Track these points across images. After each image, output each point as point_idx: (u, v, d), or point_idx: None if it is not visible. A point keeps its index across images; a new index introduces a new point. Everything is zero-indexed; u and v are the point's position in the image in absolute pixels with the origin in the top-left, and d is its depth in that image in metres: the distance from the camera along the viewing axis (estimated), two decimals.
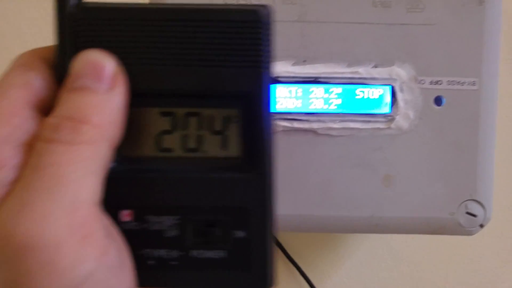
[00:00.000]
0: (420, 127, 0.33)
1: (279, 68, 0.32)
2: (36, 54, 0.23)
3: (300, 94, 0.33)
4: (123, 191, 0.23)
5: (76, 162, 0.19)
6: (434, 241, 0.47)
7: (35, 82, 0.22)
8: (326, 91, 0.33)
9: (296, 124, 0.33)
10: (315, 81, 0.33)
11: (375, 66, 0.33)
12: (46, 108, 0.21)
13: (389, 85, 0.33)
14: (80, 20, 0.23)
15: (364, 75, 0.33)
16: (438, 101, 0.33)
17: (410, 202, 0.33)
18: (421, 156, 0.33)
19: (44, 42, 0.24)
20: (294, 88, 0.33)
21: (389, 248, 0.48)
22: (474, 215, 0.33)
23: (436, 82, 0.33)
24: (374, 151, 0.33)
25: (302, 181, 0.33)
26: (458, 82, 0.33)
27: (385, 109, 0.33)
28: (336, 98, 0.33)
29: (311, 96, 0.33)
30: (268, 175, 0.24)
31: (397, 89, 0.33)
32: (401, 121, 0.33)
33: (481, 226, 0.34)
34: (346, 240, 0.47)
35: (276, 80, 0.32)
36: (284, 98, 0.33)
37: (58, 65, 0.23)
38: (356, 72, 0.33)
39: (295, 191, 0.33)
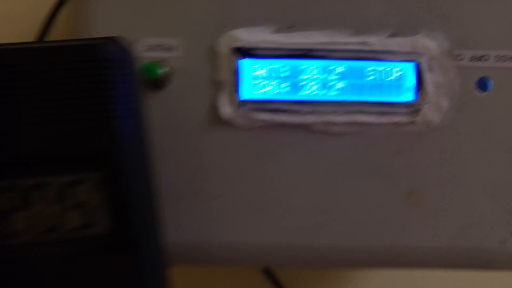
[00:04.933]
0: (458, 121, 0.23)
1: (254, 36, 0.23)
2: None
3: (286, 74, 0.23)
4: None
5: None
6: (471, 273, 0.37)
7: None
8: (323, 70, 0.23)
9: (280, 117, 0.23)
10: (306, 55, 0.23)
11: (393, 35, 0.23)
12: None
13: (413, 61, 0.23)
14: None
15: (377, 47, 0.23)
16: (483, 84, 0.23)
17: (444, 227, 0.24)
18: (459, 162, 0.23)
19: None
20: (276, 65, 0.23)
21: (411, 282, 0.38)
22: None
23: (480, 58, 0.23)
24: (393, 155, 0.23)
25: (292, 198, 0.23)
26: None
27: (408, 96, 0.23)
28: (338, 80, 0.23)
29: (301, 77, 0.23)
30: (144, 252, 0.20)
31: (424, 67, 0.23)
32: (430, 113, 0.23)
33: None
34: (356, 272, 0.38)
35: (250, 54, 0.23)
36: (263, 80, 0.23)
37: None
38: (366, 43, 0.23)
39: (282, 213, 0.23)
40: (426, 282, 0.38)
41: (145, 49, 0.23)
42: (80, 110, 0.19)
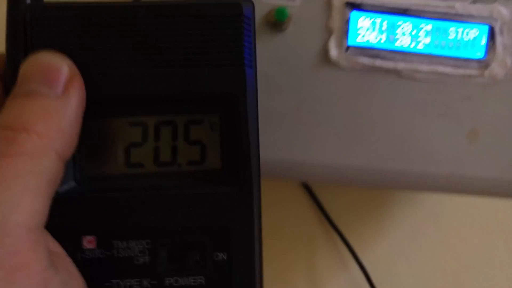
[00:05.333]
0: None
1: None
2: None
3: (385, 27, 0.28)
4: (85, 214, 0.21)
5: (9, 177, 0.16)
6: (486, 215, 0.43)
7: None
8: (415, 26, 0.28)
9: (378, 62, 0.28)
10: (403, 13, 0.28)
11: (474, 2, 0.28)
12: None
13: (488, 24, 0.28)
14: (33, 21, 0.20)
15: (460, 11, 0.28)
16: None
17: (496, 162, 0.29)
18: None
19: None
20: (378, 19, 0.28)
21: (436, 221, 0.44)
22: None
23: None
24: (462, 101, 0.29)
25: (378, 129, 0.29)
26: None
27: (480, 54, 0.28)
28: (425, 36, 0.28)
29: (397, 31, 0.28)
30: (253, 189, 0.21)
31: (496, 30, 0.28)
32: (496, 68, 0.28)
33: None
34: (392, 210, 0.44)
35: (359, 7, 0.28)
36: (367, 30, 0.28)
37: (8, 74, 0.20)
38: (452, 7, 0.28)
39: (367, 140, 0.29)
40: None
41: None
42: (218, 58, 0.21)
